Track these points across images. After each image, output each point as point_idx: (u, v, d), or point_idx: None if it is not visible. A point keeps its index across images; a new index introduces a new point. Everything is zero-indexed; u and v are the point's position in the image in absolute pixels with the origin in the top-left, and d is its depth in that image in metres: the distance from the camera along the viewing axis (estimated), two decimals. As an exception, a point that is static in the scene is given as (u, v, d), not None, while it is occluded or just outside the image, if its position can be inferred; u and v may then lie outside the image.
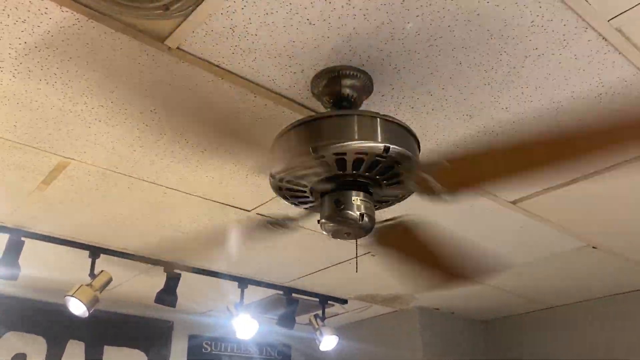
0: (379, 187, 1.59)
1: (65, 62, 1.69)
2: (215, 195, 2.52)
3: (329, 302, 4.10)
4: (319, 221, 1.63)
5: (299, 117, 1.63)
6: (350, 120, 1.50)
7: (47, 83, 1.78)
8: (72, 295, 2.86)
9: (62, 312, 3.04)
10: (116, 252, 3.14)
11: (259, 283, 3.72)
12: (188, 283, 3.42)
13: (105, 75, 1.74)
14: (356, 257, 1.82)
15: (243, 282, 3.64)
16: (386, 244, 1.86)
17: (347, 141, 1.45)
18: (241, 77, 1.75)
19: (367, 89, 1.75)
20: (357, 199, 1.56)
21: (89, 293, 2.89)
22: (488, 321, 4.86)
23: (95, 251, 3.05)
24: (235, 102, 1.86)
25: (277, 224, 1.86)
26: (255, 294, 3.85)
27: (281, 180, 1.59)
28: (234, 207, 2.64)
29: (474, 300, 4.29)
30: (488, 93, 1.84)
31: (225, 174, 2.34)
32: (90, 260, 3.03)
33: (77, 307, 2.90)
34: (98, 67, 1.70)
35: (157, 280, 3.30)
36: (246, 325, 3.57)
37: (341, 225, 1.55)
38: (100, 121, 1.97)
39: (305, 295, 3.94)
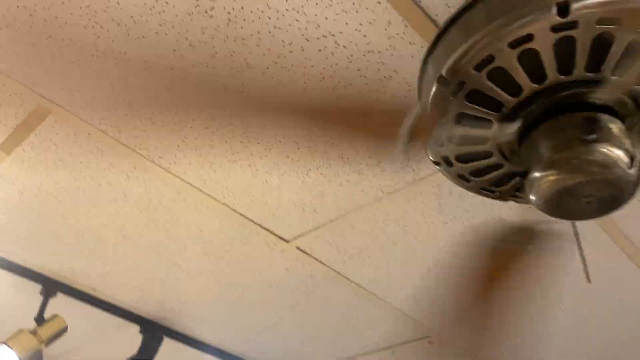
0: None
1: None
2: (251, 209, 1.73)
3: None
4: (523, 178, 0.88)
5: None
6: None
7: None
8: (4, 343, 1.93)
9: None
10: (83, 293, 2.23)
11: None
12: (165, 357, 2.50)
13: None
14: (581, 255, 1.02)
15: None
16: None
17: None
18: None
19: None
20: (615, 128, 0.82)
21: (31, 343, 1.97)
22: None
23: (50, 286, 2.16)
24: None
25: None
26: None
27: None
28: (269, 231, 1.83)
29: None
30: None
31: (285, 169, 1.57)
32: (41, 298, 2.13)
33: (9, 362, 1.95)
34: None
35: (126, 344, 2.38)
36: None
37: (584, 175, 0.79)
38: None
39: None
